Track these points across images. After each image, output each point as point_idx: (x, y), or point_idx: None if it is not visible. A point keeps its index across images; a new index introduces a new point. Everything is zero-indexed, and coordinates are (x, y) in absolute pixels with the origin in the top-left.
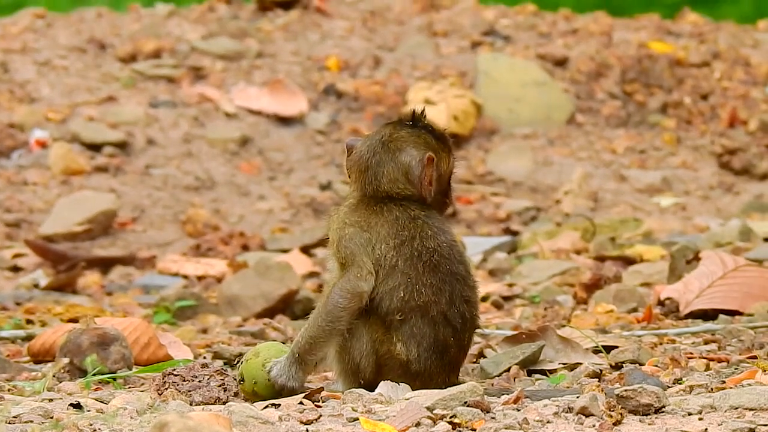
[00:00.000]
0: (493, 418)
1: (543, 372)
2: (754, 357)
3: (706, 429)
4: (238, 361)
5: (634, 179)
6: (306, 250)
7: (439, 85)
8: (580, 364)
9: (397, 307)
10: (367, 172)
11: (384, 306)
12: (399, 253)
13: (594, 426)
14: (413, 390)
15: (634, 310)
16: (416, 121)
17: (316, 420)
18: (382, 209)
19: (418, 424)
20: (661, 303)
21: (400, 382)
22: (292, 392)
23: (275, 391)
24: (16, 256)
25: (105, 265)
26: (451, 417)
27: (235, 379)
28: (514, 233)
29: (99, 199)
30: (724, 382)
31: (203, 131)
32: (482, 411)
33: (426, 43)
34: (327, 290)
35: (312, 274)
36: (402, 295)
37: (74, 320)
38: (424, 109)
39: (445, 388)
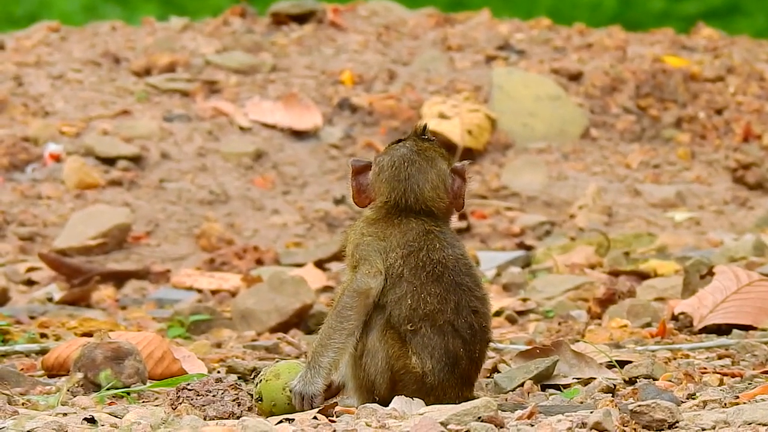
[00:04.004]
0: None
1: (557, 387)
2: None
3: None
4: (254, 376)
5: (648, 194)
6: (320, 264)
7: (453, 99)
8: (594, 379)
9: (407, 316)
10: (407, 181)
11: (395, 315)
12: (405, 262)
13: None
14: (427, 405)
15: (648, 324)
16: (425, 134)
17: None
18: (400, 222)
19: None
20: (674, 318)
21: (414, 398)
22: (310, 401)
23: (294, 411)
24: (30, 269)
25: (119, 279)
26: None
27: (250, 395)
28: (528, 248)
29: (113, 213)
30: (737, 397)
31: (217, 145)
32: (496, 426)
33: (440, 58)
34: (338, 294)
35: (326, 289)
36: (409, 302)
37: (88, 334)
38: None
39: (459, 403)
